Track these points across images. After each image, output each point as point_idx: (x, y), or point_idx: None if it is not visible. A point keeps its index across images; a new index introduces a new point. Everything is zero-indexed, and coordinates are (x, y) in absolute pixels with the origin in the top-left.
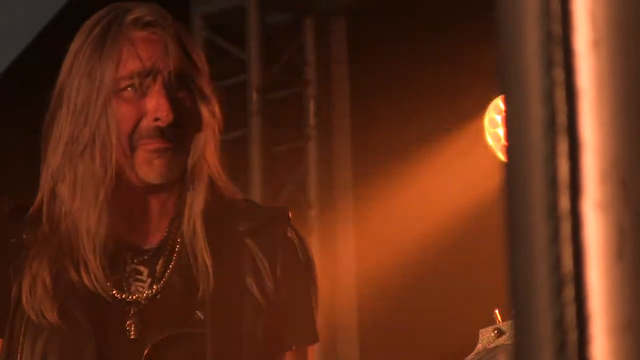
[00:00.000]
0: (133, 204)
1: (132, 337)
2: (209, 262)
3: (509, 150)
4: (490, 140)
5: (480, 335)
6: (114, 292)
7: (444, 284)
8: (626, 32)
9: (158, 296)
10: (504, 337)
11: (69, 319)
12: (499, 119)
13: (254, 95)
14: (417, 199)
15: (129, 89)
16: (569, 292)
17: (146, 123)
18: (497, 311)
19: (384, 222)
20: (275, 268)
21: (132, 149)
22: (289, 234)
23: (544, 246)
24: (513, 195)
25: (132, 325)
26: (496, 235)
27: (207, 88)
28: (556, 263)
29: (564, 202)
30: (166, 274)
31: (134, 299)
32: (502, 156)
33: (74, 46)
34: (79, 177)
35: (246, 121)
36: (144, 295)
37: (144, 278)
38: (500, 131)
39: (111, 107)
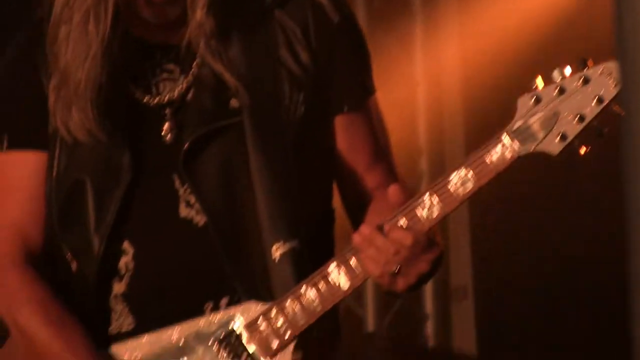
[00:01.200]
0: (148, 13)
1: (168, 141)
2: (219, 67)
3: None
4: None
5: (518, 104)
6: (147, 98)
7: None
8: None
9: (190, 92)
10: (541, 104)
11: (100, 134)
12: None
13: None
14: None
15: None
16: None
17: None
18: (539, 77)
19: (486, 10)
20: (309, 36)
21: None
22: None
23: None
24: None
25: (169, 128)
26: (607, 26)
27: None
28: None
29: None
30: (194, 67)
31: (168, 100)
32: None
33: None
34: (74, 34)
35: None
36: (176, 93)
37: (175, 76)
38: None
39: None
